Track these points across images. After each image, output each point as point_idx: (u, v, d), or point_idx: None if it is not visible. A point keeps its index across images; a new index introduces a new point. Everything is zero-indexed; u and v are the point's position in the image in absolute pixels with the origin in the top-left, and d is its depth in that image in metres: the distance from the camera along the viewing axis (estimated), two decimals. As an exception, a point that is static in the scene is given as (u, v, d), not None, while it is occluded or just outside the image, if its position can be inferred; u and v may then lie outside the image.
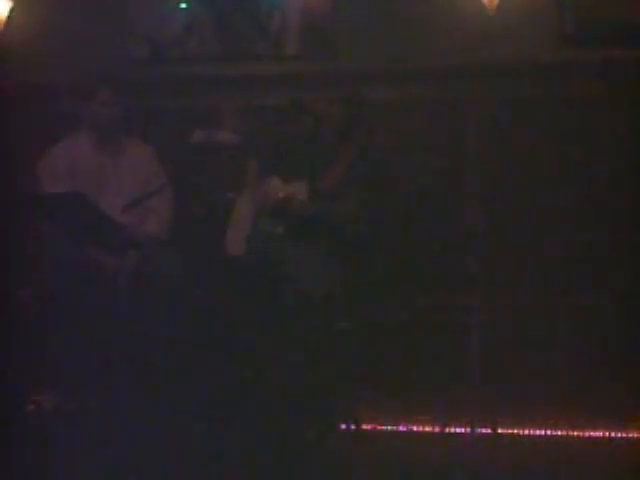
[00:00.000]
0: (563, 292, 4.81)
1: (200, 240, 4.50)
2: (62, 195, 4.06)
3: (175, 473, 3.59)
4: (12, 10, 5.21)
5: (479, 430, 4.24)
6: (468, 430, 4.26)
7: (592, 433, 4.26)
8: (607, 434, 4.25)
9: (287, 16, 5.28)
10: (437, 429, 4.34)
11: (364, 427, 4.25)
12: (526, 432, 4.29)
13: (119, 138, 4.39)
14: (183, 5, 5.39)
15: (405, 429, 4.37)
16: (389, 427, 4.38)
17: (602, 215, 4.81)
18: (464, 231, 4.91)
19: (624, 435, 4.25)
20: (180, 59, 5.36)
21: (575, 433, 4.27)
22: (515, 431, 4.30)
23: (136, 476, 3.55)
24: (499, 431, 4.26)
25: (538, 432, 4.29)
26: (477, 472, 3.76)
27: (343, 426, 4.14)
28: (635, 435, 4.24)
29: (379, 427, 4.37)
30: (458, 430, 4.31)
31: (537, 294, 4.83)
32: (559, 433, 4.28)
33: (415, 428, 4.37)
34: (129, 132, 4.47)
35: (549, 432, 4.28)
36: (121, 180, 4.30)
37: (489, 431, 4.25)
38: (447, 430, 4.32)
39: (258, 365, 4.04)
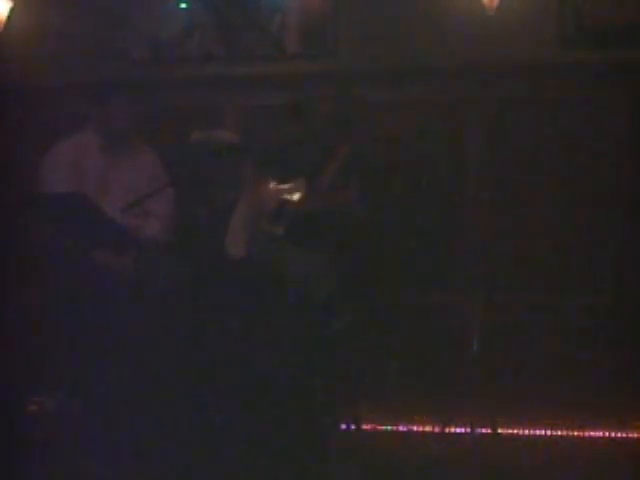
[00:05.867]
0: (563, 292, 4.81)
1: (201, 241, 4.50)
2: (64, 195, 4.06)
3: (175, 473, 3.60)
4: (12, 10, 5.21)
5: (479, 430, 4.24)
6: (468, 430, 4.26)
7: (592, 433, 4.26)
8: (607, 434, 4.25)
9: (287, 16, 5.28)
10: (437, 429, 4.35)
11: (364, 427, 4.25)
12: (526, 432, 4.30)
13: (125, 141, 4.40)
14: (183, 5, 5.39)
15: (405, 429, 4.37)
16: (389, 427, 4.38)
17: (602, 215, 4.81)
18: (464, 231, 4.91)
19: (624, 435, 4.25)
20: (180, 59, 5.36)
21: (575, 433, 4.27)
22: (515, 431, 4.30)
23: (136, 476, 3.55)
24: (499, 431, 4.26)
25: (538, 432, 4.29)
26: (477, 472, 3.76)
27: (343, 426, 4.14)
28: (635, 435, 4.24)
29: (379, 427, 4.37)
30: (458, 430, 4.31)
31: (537, 294, 4.83)
32: (559, 433, 4.28)
33: (415, 428, 4.37)
34: (133, 134, 4.47)
35: (549, 432, 4.28)
36: (124, 182, 4.31)
37: (489, 431, 4.25)
38: (447, 430, 4.32)
39: (258, 365, 4.03)
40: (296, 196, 4.38)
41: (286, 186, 4.43)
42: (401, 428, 4.38)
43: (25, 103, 5.23)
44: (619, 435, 4.25)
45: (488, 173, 4.92)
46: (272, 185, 4.45)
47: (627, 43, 4.78)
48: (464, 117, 4.96)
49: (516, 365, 4.69)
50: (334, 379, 4.08)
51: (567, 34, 4.89)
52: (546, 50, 4.86)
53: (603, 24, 4.86)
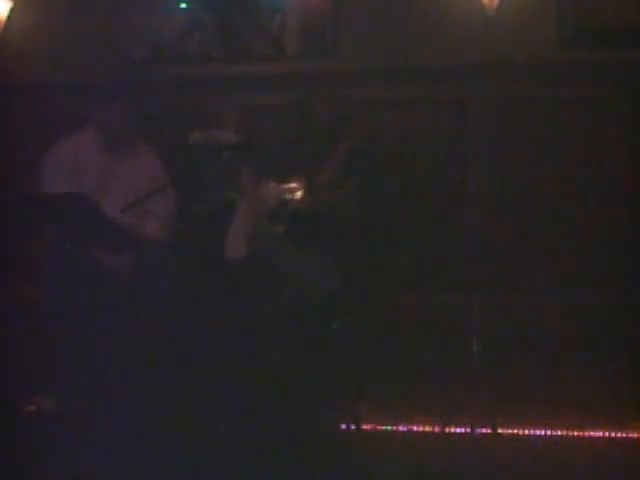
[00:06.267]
0: (563, 292, 4.81)
1: (200, 240, 4.50)
2: (64, 195, 4.06)
3: (175, 473, 3.59)
4: (12, 10, 5.21)
5: (479, 430, 4.24)
6: (468, 430, 4.25)
7: (592, 433, 4.26)
8: (607, 434, 4.24)
9: (287, 16, 5.28)
10: (437, 429, 4.34)
11: (364, 427, 4.25)
12: (526, 432, 4.29)
13: (125, 140, 4.40)
14: (183, 5, 5.39)
15: (405, 429, 4.37)
16: (389, 427, 4.38)
17: (602, 215, 4.81)
18: (464, 231, 4.91)
19: (624, 435, 4.25)
20: (180, 59, 5.37)
21: (575, 433, 4.27)
22: (515, 431, 4.29)
23: (136, 476, 3.55)
24: (499, 431, 4.26)
25: (538, 432, 4.29)
26: (477, 472, 3.76)
27: (343, 426, 4.14)
28: (635, 435, 4.24)
29: (379, 427, 4.36)
30: (458, 430, 4.31)
31: (537, 294, 4.83)
32: (559, 433, 4.27)
33: (415, 428, 4.37)
34: (133, 134, 4.48)
35: (549, 432, 4.28)
36: (124, 182, 4.31)
37: (489, 431, 4.24)
38: (447, 430, 4.31)
39: (258, 365, 4.03)
40: (296, 196, 4.38)
41: (286, 186, 4.43)
42: (401, 428, 4.37)
43: (25, 103, 5.23)
44: (619, 435, 4.24)
45: (488, 173, 4.92)
46: (272, 185, 4.45)
47: (627, 43, 4.78)
48: (464, 117, 4.96)
49: (516, 365, 4.68)
50: (334, 379, 4.08)
51: (567, 34, 4.89)
52: (546, 50, 4.86)
53: (603, 24, 4.86)
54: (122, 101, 4.34)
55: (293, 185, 4.42)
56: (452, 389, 4.50)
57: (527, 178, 4.91)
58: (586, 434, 4.25)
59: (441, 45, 4.91)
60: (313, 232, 4.23)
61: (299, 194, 4.39)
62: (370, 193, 4.26)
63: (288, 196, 4.38)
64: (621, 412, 4.31)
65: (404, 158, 4.87)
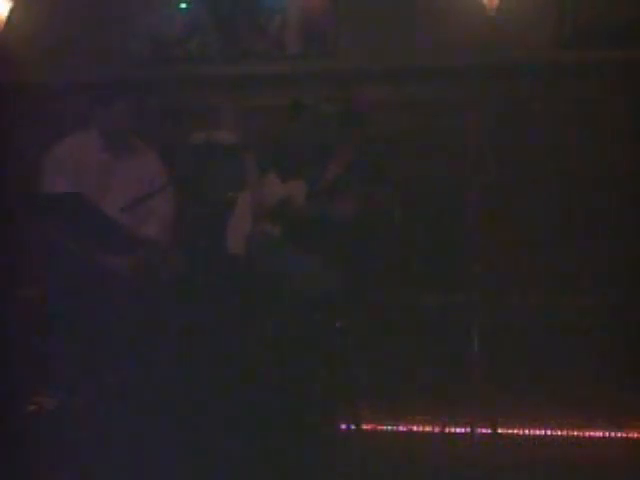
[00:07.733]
0: (563, 292, 4.81)
1: (200, 240, 4.50)
2: (64, 195, 4.06)
3: (174, 473, 3.59)
4: (12, 10, 5.22)
5: (479, 430, 4.24)
6: (468, 430, 4.26)
7: (592, 433, 4.26)
8: (607, 434, 4.24)
9: (287, 16, 5.29)
10: (437, 429, 4.34)
11: (364, 427, 4.25)
12: (526, 432, 4.29)
13: (125, 141, 4.41)
14: (183, 5, 5.40)
15: (405, 429, 4.37)
16: (389, 427, 4.38)
17: (602, 215, 4.81)
18: (464, 231, 4.91)
19: (624, 435, 4.25)
20: (180, 59, 5.37)
21: (575, 433, 4.27)
22: (515, 431, 4.29)
23: (136, 476, 3.55)
24: (499, 431, 4.26)
25: (538, 432, 4.29)
26: (477, 472, 3.76)
27: (343, 426, 4.14)
28: (635, 435, 4.24)
29: (379, 427, 4.36)
30: (458, 430, 4.31)
31: (537, 294, 4.83)
32: (559, 433, 4.27)
33: (415, 428, 4.37)
34: (134, 134, 4.48)
35: (549, 432, 4.28)
36: (124, 182, 4.31)
37: (489, 431, 4.24)
38: (447, 430, 4.32)
39: (257, 365, 4.03)
40: (295, 197, 4.38)
41: (286, 186, 4.43)
42: (401, 428, 4.37)
43: (26, 103, 5.23)
44: (619, 435, 4.24)
45: (488, 173, 4.92)
46: (272, 185, 4.45)
47: (626, 43, 4.78)
48: (464, 117, 4.96)
49: (516, 365, 4.68)
50: (334, 379, 4.08)
51: (566, 34, 4.89)
52: (546, 50, 4.86)
53: (603, 24, 4.86)
54: (121, 100, 4.34)
55: (293, 185, 4.42)
56: (452, 389, 4.51)
57: (527, 178, 4.91)
58: (586, 434, 4.25)
59: (441, 45, 4.91)
60: (313, 233, 4.23)
61: (299, 195, 4.38)
62: (369, 194, 4.26)
63: (288, 197, 4.38)
64: (621, 412, 4.31)
65: (404, 158, 4.87)
